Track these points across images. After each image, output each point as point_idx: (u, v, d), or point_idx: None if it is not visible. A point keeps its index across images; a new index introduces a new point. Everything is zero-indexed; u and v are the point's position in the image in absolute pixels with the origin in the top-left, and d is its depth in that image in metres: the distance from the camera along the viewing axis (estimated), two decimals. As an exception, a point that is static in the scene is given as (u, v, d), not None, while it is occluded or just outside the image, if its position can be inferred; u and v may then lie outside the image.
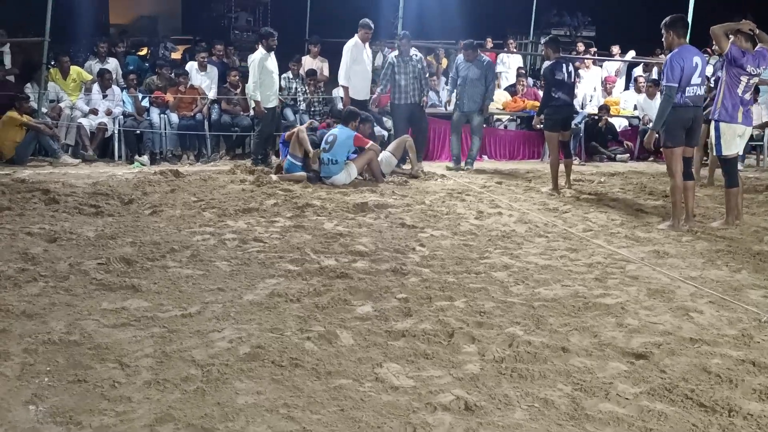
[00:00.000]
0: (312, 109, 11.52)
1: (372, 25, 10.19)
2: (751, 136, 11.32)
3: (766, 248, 6.02)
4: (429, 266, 5.34)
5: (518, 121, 12.70)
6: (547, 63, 9.00)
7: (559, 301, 4.63)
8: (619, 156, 12.13)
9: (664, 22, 6.72)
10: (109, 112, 10.25)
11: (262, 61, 9.54)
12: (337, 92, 11.57)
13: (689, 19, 12.11)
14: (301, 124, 10.80)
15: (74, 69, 10.89)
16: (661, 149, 7.01)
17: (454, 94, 10.56)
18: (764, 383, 3.46)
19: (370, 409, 3.13)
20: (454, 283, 4.93)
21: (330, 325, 4.05)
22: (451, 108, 10.86)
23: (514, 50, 15.59)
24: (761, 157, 11.90)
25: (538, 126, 9.20)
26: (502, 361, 3.65)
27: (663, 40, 6.79)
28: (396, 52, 10.21)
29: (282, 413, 3.06)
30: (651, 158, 12.25)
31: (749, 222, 7.10)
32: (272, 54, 9.76)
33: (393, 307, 4.40)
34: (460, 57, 10.41)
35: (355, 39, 10.14)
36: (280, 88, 10.89)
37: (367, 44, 10.28)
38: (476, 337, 3.94)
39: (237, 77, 11.19)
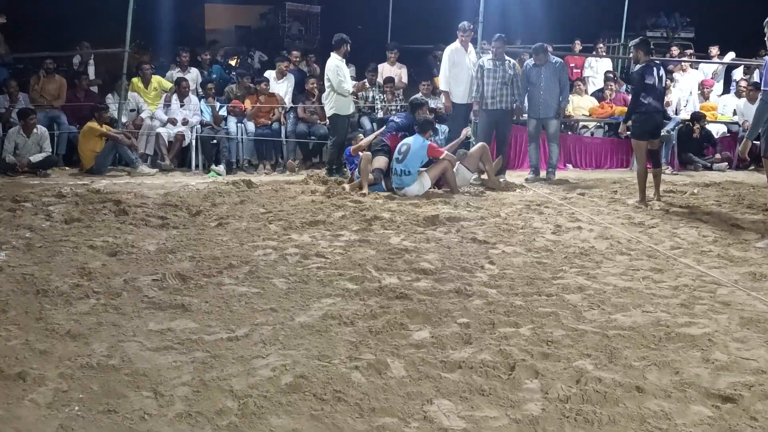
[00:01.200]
0: (390, 117, 11.28)
1: (469, 27, 9.95)
2: None
3: None
4: (496, 287, 4.99)
5: (605, 127, 12.10)
6: (636, 66, 8.46)
7: (637, 329, 4.19)
8: (716, 165, 11.37)
9: (766, 21, 6.16)
10: (186, 122, 10.31)
11: (337, 67, 9.42)
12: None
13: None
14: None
15: (155, 78, 11.06)
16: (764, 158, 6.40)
17: (526, 102, 10.10)
18: None
19: (413, 454, 2.83)
20: (522, 306, 4.56)
21: (381, 353, 3.77)
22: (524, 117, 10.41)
23: (603, 54, 14.95)
24: None
25: (625, 134, 8.64)
26: (567, 400, 3.28)
27: (766, 39, 6.22)
28: (489, 56, 9.87)
29: (315, 456, 2.80)
30: (752, 167, 11.42)
31: None
32: (344, 60, 9.62)
33: (452, 333, 4.09)
34: (530, 62, 9.96)
35: (456, 43, 9.92)
36: (358, 97, 10.72)
37: (471, 47, 10.02)
38: (540, 371, 3.57)
39: (314, 85, 11.08)
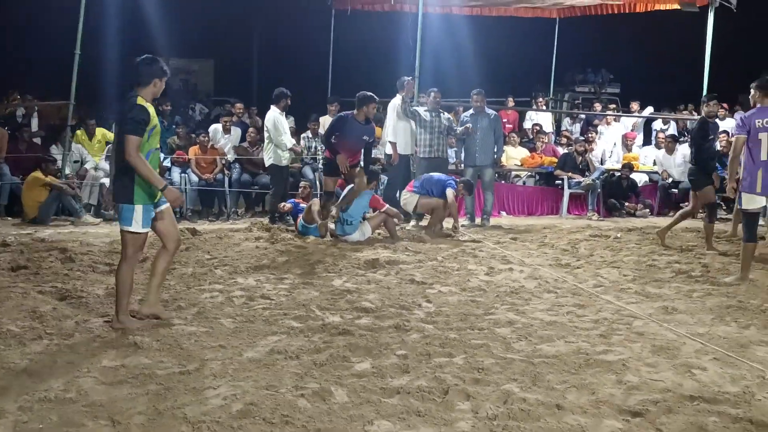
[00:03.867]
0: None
1: (406, 80, 10.47)
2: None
3: (777, 304, 5.93)
4: (433, 322, 5.34)
5: (536, 176, 12.73)
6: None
7: (560, 357, 4.59)
8: (638, 212, 12.07)
9: (754, 83, 6.85)
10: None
11: (276, 120, 9.79)
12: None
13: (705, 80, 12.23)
14: (319, 182, 11.01)
15: (99, 130, 11.25)
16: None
17: (462, 151, 10.66)
18: (761, 443, 3.39)
19: (355, 467, 3.12)
20: (456, 339, 4.92)
21: (326, 382, 4.06)
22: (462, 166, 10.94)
23: (543, 108, 15.74)
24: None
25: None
26: (495, 418, 3.62)
27: (750, 98, 7.01)
28: (425, 107, 10.41)
29: (266, 471, 3.07)
30: (671, 213, 12.16)
31: (763, 278, 7.00)
32: (284, 114, 10.00)
33: (391, 363, 4.40)
34: (467, 114, 10.54)
35: (398, 97, 10.40)
36: (300, 148, 11.10)
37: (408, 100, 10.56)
38: (471, 394, 3.91)
39: (255, 135, 11.41)
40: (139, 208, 4.94)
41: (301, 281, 6.54)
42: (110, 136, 11.26)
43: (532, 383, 4.11)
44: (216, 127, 11.86)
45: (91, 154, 10.95)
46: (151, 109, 4.94)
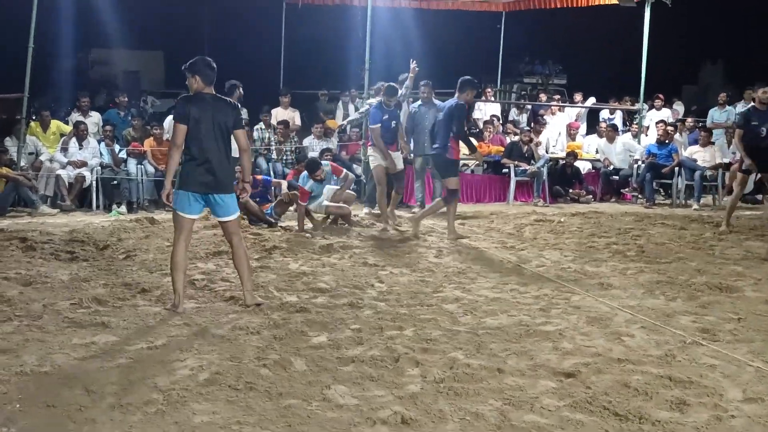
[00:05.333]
0: (284, 158, 11.95)
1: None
2: (706, 176, 11.91)
3: (702, 279, 6.42)
4: (385, 300, 5.69)
5: (484, 165, 13.15)
6: None
7: (502, 329, 4.98)
8: (582, 198, 12.58)
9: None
10: (84, 164, 10.61)
11: None
12: (309, 141, 12.08)
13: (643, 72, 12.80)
14: (275, 172, 11.29)
15: (54, 122, 11.31)
16: None
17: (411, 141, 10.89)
18: (677, 395, 3.82)
19: (315, 424, 3.44)
20: (406, 314, 5.27)
21: (285, 354, 4.38)
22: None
23: (492, 99, 16.16)
24: (716, 196, 12.39)
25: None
26: (442, 381, 3.98)
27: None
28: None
29: (234, 429, 3.37)
30: (613, 199, 12.74)
31: (693, 255, 7.52)
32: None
33: (346, 336, 4.74)
34: (416, 104, 10.74)
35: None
36: (254, 139, 11.32)
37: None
38: (420, 362, 4.27)
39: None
40: (180, 193, 5.30)
41: (259, 265, 6.81)
42: (65, 128, 11.34)
43: (476, 351, 4.49)
44: (171, 119, 11.97)
45: (45, 146, 11.00)
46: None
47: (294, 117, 12.86)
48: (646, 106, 13.90)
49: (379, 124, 9.18)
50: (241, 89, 10.22)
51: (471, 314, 5.34)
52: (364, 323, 5.03)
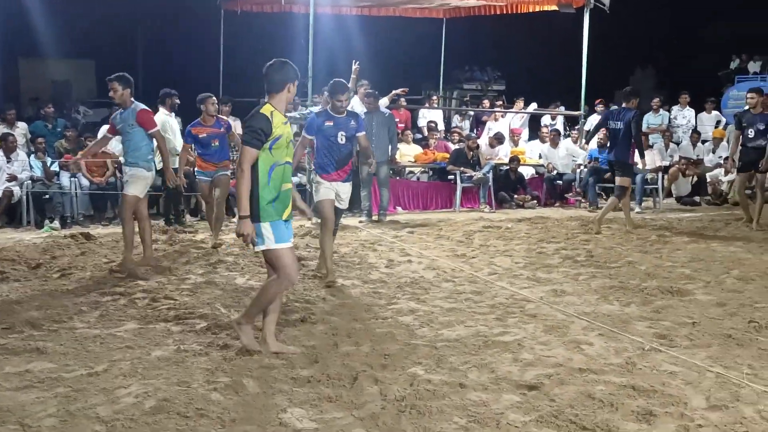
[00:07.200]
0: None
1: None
2: (646, 179, 12.07)
3: (654, 283, 6.42)
4: (338, 314, 5.50)
5: (430, 172, 13.08)
6: None
7: (461, 340, 4.86)
8: (527, 204, 12.60)
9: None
10: (12, 178, 10.11)
11: (164, 124, 9.65)
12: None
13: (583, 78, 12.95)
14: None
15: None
16: None
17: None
18: (642, 405, 3.75)
19: (272, 452, 3.24)
20: (361, 328, 5.10)
21: (237, 376, 4.15)
22: None
23: (436, 105, 16.11)
24: (657, 199, 12.58)
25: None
26: (403, 399, 3.83)
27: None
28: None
29: (185, 462, 3.14)
30: (557, 204, 12.81)
31: (642, 259, 7.55)
32: (173, 114, 9.87)
33: (300, 355, 4.53)
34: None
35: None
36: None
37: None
38: (379, 379, 4.10)
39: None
40: (267, 226, 4.44)
41: (204, 281, 6.55)
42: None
43: (436, 365, 4.35)
44: (104, 129, 11.52)
45: (-29, 160, 10.46)
46: (278, 118, 4.42)
47: (235, 126, 12.52)
48: (583, 112, 14.01)
49: (312, 137, 6.80)
50: (176, 98, 9.92)
51: (428, 326, 5.21)
52: (318, 339, 4.84)
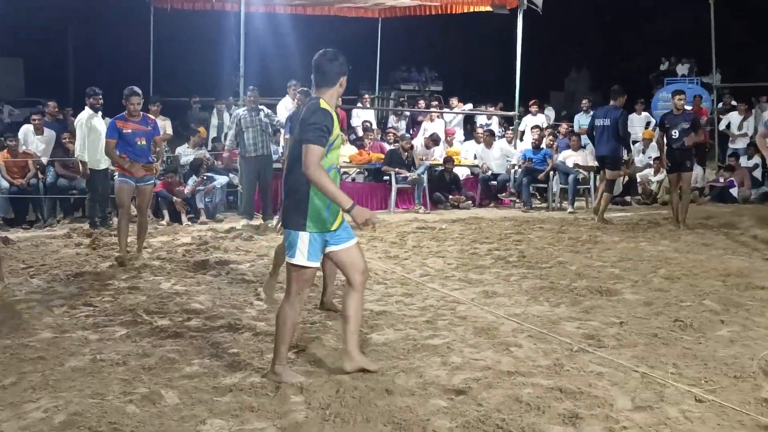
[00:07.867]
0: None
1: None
2: (578, 179, 12.25)
3: (583, 283, 6.47)
4: (265, 320, 5.36)
5: (365, 173, 13.01)
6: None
7: (389, 345, 4.77)
8: (462, 204, 12.63)
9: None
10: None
11: (88, 121, 9.33)
12: (182, 150, 11.54)
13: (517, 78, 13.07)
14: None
15: None
16: None
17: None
18: (569, 408, 3.72)
19: (188, 467, 3.09)
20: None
21: (155, 386, 3.98)
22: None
23: (368, 105, 16.04)
24: (589, 199, 12.76)
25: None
26: (327, 407, 3.72)
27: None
28: (244, 107, 10.21)
29: (93, 480, 2.97)
30: (491, 204, 12.89)
31: (572, 259, 7.61)
32: (99, 114, 9.53)
33: (223, 363, 4.39)
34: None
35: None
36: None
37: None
38: (304, 387, 3.98)
39: (67, 140, 10.80)
40: (306, 237, 4.07)
41: (127, 286, 6.31)
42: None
43: (363, 371, 4.24)
44: (26, 129, 11.05)
45: None
46: (336, 117, 4.07)
47: (165, 125, 12.22)
48: (517, 113, 14.15)
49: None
50: (99, 97, 9.55)
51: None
52: (242, 347, 4.69)
